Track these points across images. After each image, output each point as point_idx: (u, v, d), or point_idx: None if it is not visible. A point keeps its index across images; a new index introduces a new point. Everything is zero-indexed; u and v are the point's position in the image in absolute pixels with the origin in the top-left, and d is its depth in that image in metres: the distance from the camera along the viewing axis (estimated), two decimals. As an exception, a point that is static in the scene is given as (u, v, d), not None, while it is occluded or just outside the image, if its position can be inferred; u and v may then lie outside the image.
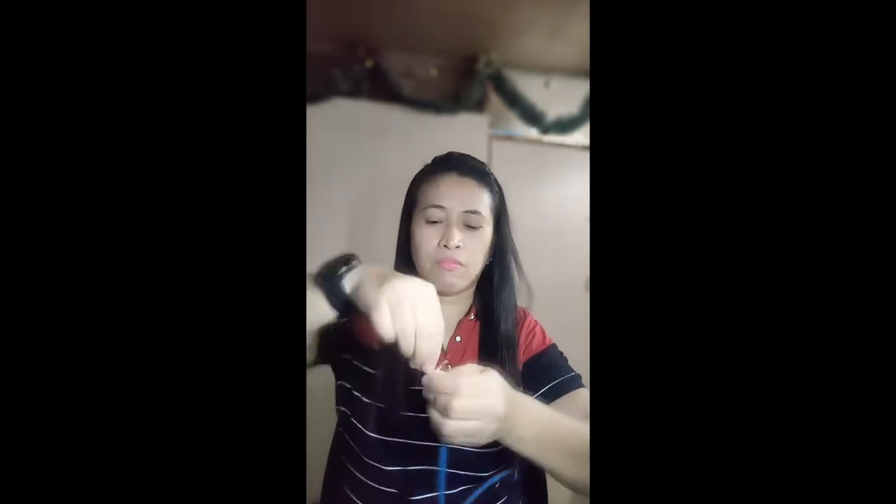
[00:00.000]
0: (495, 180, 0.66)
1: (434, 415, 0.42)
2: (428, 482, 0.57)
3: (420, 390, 0.59)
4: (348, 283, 0.47)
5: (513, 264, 0.66)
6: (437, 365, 0.44)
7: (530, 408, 0.47)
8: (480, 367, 0.44)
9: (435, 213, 0.60)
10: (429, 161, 0.69)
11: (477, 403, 0.41)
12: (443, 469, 0.47)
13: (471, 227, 0.61)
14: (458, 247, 0.59)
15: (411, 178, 0.68)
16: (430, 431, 0.57)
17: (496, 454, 0.58)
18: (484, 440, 0.43)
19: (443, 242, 0.59)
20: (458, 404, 0.40)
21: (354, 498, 0.61)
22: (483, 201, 0.62)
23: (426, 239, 0.60)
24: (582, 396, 0.62)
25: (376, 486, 0.59)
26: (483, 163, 0.67)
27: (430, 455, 0.56)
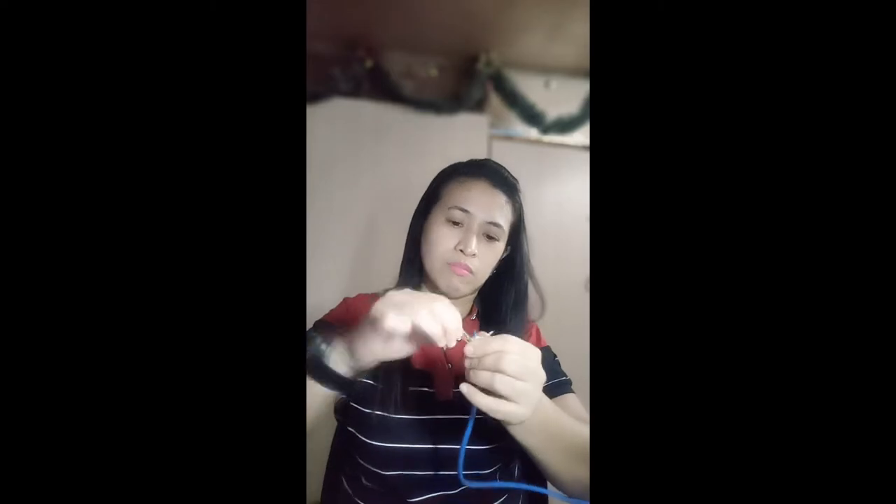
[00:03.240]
0: (520, 199, 0.66)
1: (482, 375, 0.41)
2: (427, 484, 0.57)
3: (418, 391, 0.59)
4: (336, 361, 0.46)
5: (529, 285, 0.66)
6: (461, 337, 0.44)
7: (543, 399, 0.47)
8: (525, 344, 0.43)
9: (458, 215, 0.60)
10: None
11: (526, 364, 0.41)
12: (467, 432, 0.46)
13: (488, 238, 0.61)
14: (474, 254, 0.59)
15: (411, 177, 0.68)
16: (427, 434, 0.57)
17: (496, 451, 0.58)
18: (526, 408, 0.42)
19: (460, 247, 0.59)
20: (510, 359, 0.40)
21: (355, 498, 0.61)
22: (506, 216, 0.62)
23: (444, 238, 0.60)
24: (571, 401, 0.63)
25: (375, 487, 0.59)
26: (515, 178, 0.67)
27: (428, 459, 0.56)
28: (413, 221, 0.67)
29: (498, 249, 0.63)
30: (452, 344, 0.43)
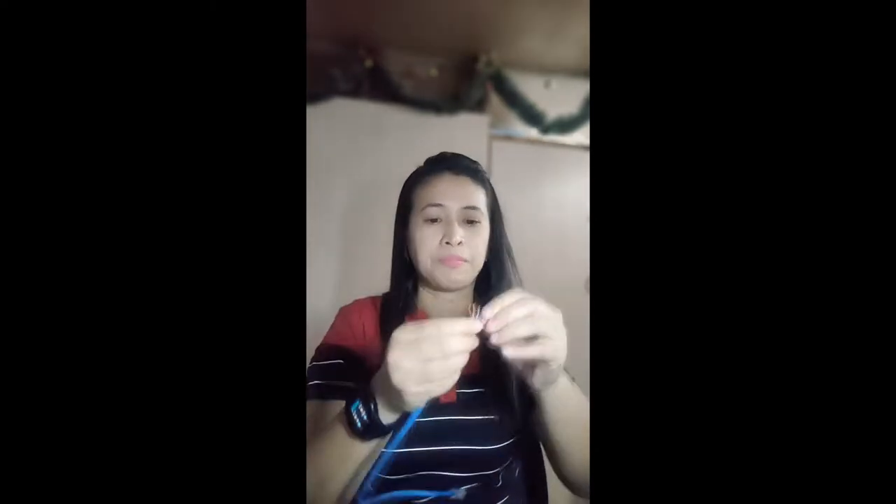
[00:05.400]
0: (487, 178, 0.67)
1: (521, 327, 0.41)
2: (429, 486, 0.57)
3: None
4: (386, 416, 0.45)
5: (508, 261, 0.66)
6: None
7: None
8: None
9: (434, 212, 0.61)
10: (421, 163, 0.69)
11: (552, 322, 0.42)
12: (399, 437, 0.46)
13: (470, 223, 0.62)
14: (460, 243, 0.60)
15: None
16: (429, 437, 0.56)
17: (503, 451, 0.58)
18: (564, 342, 0.43)
19: (445, 240, 0.60)
20: (530, 300, 0.41)
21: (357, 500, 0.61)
22: (479, 197, 0.63)
23: (428, 238, 0.61)
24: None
25: (377, 491, 0.59)
26: (475, 161, 0.68)
27: (431, 461, 0.56)
28: (395, 235, 0.67)
29: (483, 231, 0.63)
30: (478, 327, 0.42)
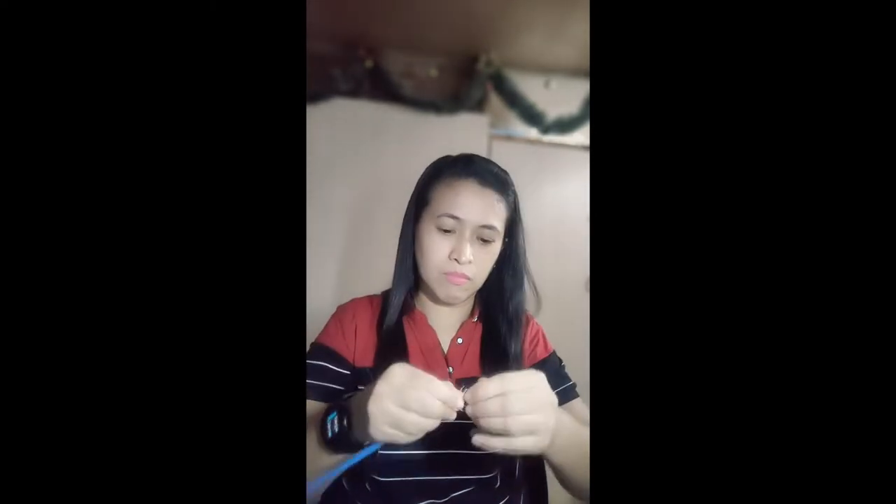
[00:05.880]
0: (514, 190, 0.63)
1: (493, 422, 0.41)
2: (424, 489, 0.57)
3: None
4: (359, 433, 0.45)
5: (524, 272, 0.65)
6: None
7: (563, 417, 0.47)
8: (526, 375, 0.42)
9: (449, 224, 0.58)
10: (435, 157, 0.66)
11: (532, 396, 0.41)
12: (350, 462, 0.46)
13: (483, 241, 0.59)
14: (469, 262, 0.58)
15: (411, 177, 0.66)
16: (425, 439, 0.56)
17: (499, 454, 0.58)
18: (544, 437, 0.42)
19: (454, 255, 0.58)
20: (515, 398, 0.40)
21: (356, 500, 0.61)
22: (499, 215, 0.60)
23: (437, 248, 0.59)
24: (577, 406, 0.63)
25: (374, 491, 0.59)
26: (504, 171, 0.64)
27: (426, 464, 0.56)
28: (403, 226, 0.64)
29: (494, 250, 0.61)
30: (460, 405, 0.42)
